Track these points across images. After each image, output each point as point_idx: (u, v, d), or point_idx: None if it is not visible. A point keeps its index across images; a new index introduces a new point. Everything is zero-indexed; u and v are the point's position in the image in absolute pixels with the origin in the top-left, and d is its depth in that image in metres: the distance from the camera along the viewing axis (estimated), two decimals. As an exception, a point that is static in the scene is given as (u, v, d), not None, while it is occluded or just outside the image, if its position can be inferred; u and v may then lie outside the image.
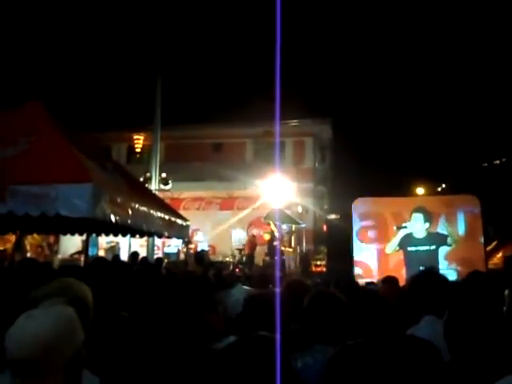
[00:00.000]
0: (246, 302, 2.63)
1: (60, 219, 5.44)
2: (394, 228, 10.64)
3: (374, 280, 8.80)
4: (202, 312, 2.87)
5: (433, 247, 10.47)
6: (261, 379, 1.50)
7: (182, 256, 15.56)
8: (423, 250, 10.45)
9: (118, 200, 5.56)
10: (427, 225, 10.62)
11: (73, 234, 8.74)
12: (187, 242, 10.77)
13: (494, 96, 27.34)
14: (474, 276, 3.49)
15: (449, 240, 10.41)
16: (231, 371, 1.55)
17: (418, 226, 10.61)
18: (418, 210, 10.68)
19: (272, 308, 2.32)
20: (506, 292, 3.83)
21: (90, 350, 1.61)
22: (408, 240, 10.60)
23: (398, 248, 10.59)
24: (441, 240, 10.51)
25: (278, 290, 3.81)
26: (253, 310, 2.47)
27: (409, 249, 10.54)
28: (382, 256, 10.71)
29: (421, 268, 8.54)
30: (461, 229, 10.62)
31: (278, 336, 1.67)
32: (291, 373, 1.85)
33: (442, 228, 10.60)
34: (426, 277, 3.03)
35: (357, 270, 10.57)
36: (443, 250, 10.43)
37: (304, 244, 17.55)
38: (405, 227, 10.58)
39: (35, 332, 1.34)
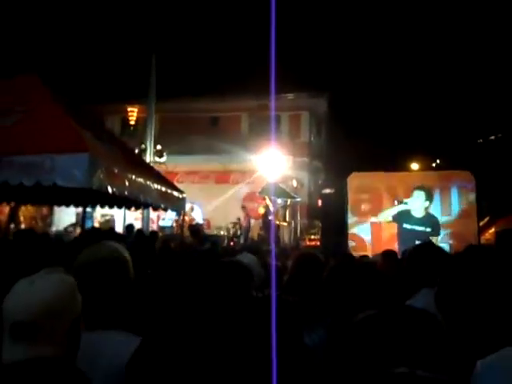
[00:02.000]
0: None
1: (56, 190, 5.41)
2: (395, 202, 10.67)
3: (368, 253, 8.90)
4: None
5: (428, 229, 10.53)
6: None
7: (176, 229, 15.59)
8: (419, 231, 10.51)
9: (115, 171, 5.53)
10: (427, 203, 10.66)
11: (68, 205, 8.71)
12: (183, 215, 10.78)
13: (489, 71, 27.18)
14: (470, 250, 3.50)
15: (441, 229, 10.46)
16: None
17: (418, 203, 10.65)
18: (420, 187, 10.70)
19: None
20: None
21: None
22: (405, 217, 10.66)
23: (390, 219, 10.64)
24: (435, 226, 10.55)
25: (273, 262, 3.83)
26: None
27: (404, 225, 10.60)
28: (375, 229, 10.79)
29: (417, 242, 8.68)
30: (454, 203, 10.68)
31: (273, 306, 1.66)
32: (302, 347, 1.86)
33: (435, 203, 10.66)
34: (425, 250, 3.00)
35: (350, 243, 10.67)
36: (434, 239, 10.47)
37: (298, 218, 17.62)
38: (405, 203, 10.63)
39: (35, 295, 1.34)
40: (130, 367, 1.52)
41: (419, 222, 10.59)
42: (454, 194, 10.75)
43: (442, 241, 10.21)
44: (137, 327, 1.79)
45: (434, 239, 10.18)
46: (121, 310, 1.83)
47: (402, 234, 10.52)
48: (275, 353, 1.43)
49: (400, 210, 10.66)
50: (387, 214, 10.72)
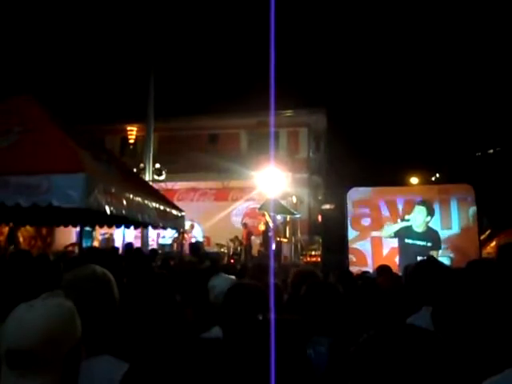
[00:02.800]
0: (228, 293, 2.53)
1: (53, 210, 5.38)
2: (398, 220, 10.68)
3: (369, 269, 8.83)
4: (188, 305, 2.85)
5: (429, 244, 10.52)
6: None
7: (176, 247, 15.53)
8: (420, 245, 10.49)
9: (113, 190, 5.51)
10: (428, 218, 10.66)
11: (67, 225, 8.67)
12: (182, 233, 10.74)
13: (488, 84, 27.37)
14: (472, 266, 3.45)
15: (442, 244, 10.46)
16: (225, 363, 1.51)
17: (419, 219, 10.65)
18: (421, 203, 10.73)
19: (253, 299, 2.25)
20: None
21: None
22: (406, 232, 10.64)
23: (393, 235, 10.63)
24: (436, 240, 10.55)
25: (272, 280, 3.78)
26: (234, 300, 2.38)
27: (406, 241, 10.58)
28: (375, 244, 10.75)
29: (418, 258, 8.65)
30: (454, 216, 10.65)
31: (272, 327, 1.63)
32: (306, 361, 1.83)
33: (435, 216, 10.64)
34: (427, 267, 2.93)
35: (350, 258, 10.62)
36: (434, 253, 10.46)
37: (299, 234, 17.56)
38: (407, 220, 10.64)
39: (34, 322, 1.30)
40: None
41: (420, 236, 10.56)
42: (454, 207, 10.72)
43: (443, 254, 10.15)
44: (130, 349, 1.74)
45: (434, 253, 10.15)
46: (107, 334, 1.79)
47: (403, 249, 10.47)
48: (274, 375, 1.39)
49: (402, 226, 10.64)
50: (389, 230, 10.70)
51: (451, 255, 10.18)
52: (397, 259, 10.07)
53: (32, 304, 1.35)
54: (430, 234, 10.57)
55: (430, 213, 10.66)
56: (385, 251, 10.61)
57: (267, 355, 1.53)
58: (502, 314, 1.80)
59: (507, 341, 1.65)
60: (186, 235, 14.86)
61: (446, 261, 9.23)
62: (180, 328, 2.29)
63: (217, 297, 2.80)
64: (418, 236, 10.60)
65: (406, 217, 10.64)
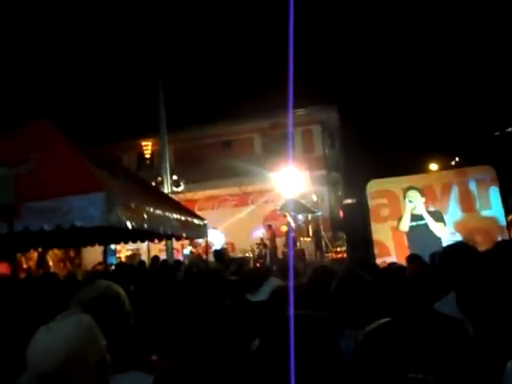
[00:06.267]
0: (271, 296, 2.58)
1: (77, 231, 5.47)
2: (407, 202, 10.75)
3: (393, 259, 8.78)
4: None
5: (423, 221, 10.55)
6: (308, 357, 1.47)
7: (203, 256, 15.60)
8: (421, 224, 10.56)
9: (132, 205, 5.57)
10: (423, 199, 10.70)
11: (91, 244, 8.80)
12: (205, 242, 10.81)
13: (501, 63, 26.87)
14: (499, 248, 3.38)
15: (462, 226, 10.38)
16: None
17: (417, 201, 10.70)
18: (409, 188, 10.80)
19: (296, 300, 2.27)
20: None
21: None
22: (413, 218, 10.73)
23: (407, 230, 10.65)
24: (436, 216, 10.53)
25: (292, 281, 3.78)
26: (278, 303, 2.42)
27: (412, 224, 10.70)
28: (396, 233, 10.71)
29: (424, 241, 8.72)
30: (474, 197, 10.52)
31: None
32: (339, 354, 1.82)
33: (453, 199, 10.57)
34: (455, 250, 2.90)
35: (373, 250, 10.60)
36: (439, 226, 10.45)
37: (322, 232, 17.48)
38: (411, 201, 10.68)
39: (55, 344, 1.32)
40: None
41: (419, 217, 10.62)
42: (473, 188, 10.59)
43: (466, 239, 10.02)
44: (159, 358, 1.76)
45: (440, 225, 10.20)
46: (128, 349, 1.79)
47: (410, 233, 10.55)
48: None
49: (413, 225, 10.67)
50: (407, 220, 10.69)
51: (476, 238, 10.04)
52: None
53: (49, 326, 1.37)
54: (429, 212, 10.67)
55: (423, 194, 10.76)
56: (406, 240, 10.58)
57: (300, 352, 1.53)
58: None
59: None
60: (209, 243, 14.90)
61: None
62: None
63: None
64: (417, 217, 10.68)
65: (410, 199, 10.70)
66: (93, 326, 1.43)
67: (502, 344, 1.54)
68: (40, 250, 12.56)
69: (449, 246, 3.13)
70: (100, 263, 15.46)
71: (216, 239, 16.81)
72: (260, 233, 18.18)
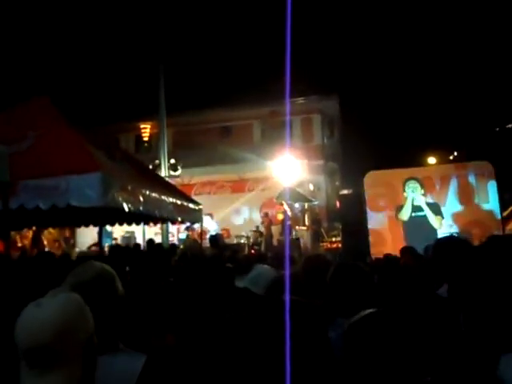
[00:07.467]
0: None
1: (73, 211, 5.46)
2: (405, 193, 10.81)
3: (388, 249, 8.86)
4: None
5: (422, 213, 10.61)
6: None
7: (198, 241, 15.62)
8: (420, 215, 10.61)
9: (129, 187, 5.56)
10: (423, 191, 10.75)
11: (86, 225, 8.79)
12: (200, 227, 10.81)
13: (501, 58, 26.77)
14: (492, 242, 3.39)
15: (461, 219, 10.43)
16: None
17: (416, 192, 10.74)
18: (410, 178, 10.83)
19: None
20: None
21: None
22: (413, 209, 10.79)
23: (406, 219, 10.68)
24: (435, 208, 10.60)
25: (287, 270, 3.80)
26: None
27: (412, 214, 10.77)
28: (392, 223, 10.77)
29: (421, 232, 8.78)
30: (472, 191, 10.58)
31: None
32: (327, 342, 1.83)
33: (452, 191, 10.62)
34: (448, 243, 2.91)
35: (370, 240, 10.65)
36: (437, 218, 10.52)
37: (318, 222, 17.51)
38: (413, 191, 10.73)
39: (44, 318, 1.31)
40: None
41: (419, 208, 10.68)
42: (473, 181, 10.65)
43: (463, 232, 10.08)
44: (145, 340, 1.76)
45: (437, 219, 10.28)
46: (118, 328, 1.78)
47: (407, 224, 10.60)
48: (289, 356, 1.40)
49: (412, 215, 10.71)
50: (405, 213, 10.72)
51: (472, 231, 10.11)
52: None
53: (39, 302, 1.36)
54: (428, 204, 10.72)
55: (422, 186, 10.80)
56: (402, 231, 10.65)
57: (285, 337, 1.54)
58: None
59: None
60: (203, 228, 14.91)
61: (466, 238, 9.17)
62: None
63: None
64: (417, 208, 10.74)
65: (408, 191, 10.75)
66: (82, 304, 1.42)
67: (493, 337, 1.55)
68: (35, 228, 12.56)
69: (441, 239, 3.15)
70: (95, 244, 15.48)
71: (210, 225, 16.83)
72: (255, 220, 18.19)
